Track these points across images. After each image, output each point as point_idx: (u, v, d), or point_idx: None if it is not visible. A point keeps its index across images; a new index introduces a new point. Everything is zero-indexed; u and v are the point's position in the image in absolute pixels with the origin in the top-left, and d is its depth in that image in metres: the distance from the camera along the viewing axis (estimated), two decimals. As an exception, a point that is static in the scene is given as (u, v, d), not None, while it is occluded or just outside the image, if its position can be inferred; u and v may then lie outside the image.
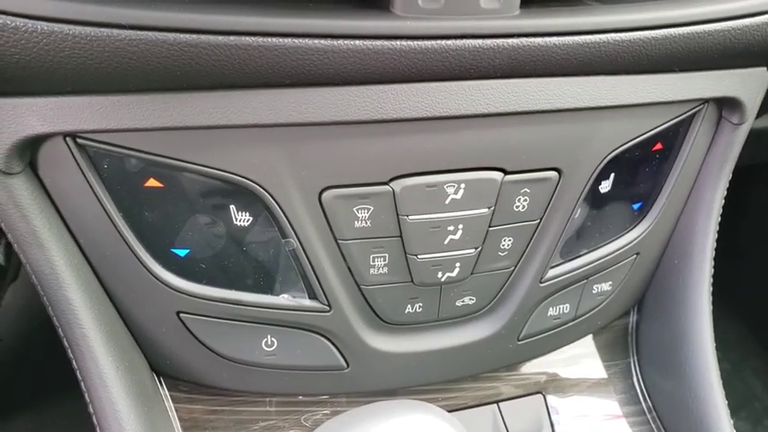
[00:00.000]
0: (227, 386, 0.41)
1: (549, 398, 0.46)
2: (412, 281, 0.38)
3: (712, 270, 0.45)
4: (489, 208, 0.36)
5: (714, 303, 0.45)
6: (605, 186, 0.40)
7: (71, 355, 0.35)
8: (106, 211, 0.34)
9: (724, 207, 0.44)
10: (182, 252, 0.36)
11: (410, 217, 0.35)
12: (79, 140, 0.32)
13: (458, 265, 0.38)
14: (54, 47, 0.27)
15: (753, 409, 0.96)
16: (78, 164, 0.32)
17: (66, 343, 0.35)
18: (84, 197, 0.33)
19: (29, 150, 0.32)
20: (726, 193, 0.44)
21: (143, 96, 0.30)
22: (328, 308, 0.38)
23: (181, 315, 0.37)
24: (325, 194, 0.34)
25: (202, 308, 0.37)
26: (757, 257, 1.11)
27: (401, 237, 0.36)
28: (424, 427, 0.26)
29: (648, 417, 0.45)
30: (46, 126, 0.30)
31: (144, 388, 0.37)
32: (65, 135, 0.31)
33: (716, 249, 0.45)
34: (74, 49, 0.27)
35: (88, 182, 0.33)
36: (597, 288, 0.44)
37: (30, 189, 0.32)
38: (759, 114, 0.42)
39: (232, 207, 0.34)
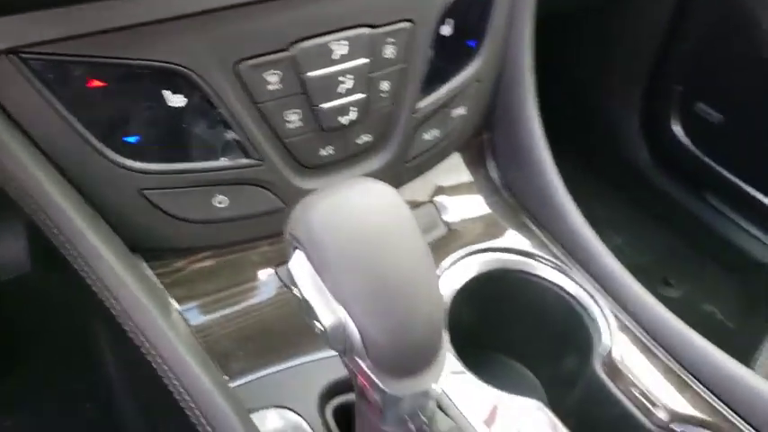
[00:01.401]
0: (193, 244, 0.50)
1: (437, 202, 0.60)
2: (321, 128, 0.49)
3: (536, 88, 0.60)
4: (367, 58, 0.47)
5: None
6: (447, 30, 0.52)
7: (66, 248, 0.42)
8: (61, 116, 0.41)
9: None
10: (133, 139, 0.44)
11: (309, 74, 0.46)
12: (22, 55, 0.38)
13: (353, 108, 0.49)
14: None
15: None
16: (25, 77, 0.39)
17: (60, 239, 0.41)
18: (38, 108, 0.40)
19: None
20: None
21: (72, 7, 0.37)
22: (261, 162, 0.48)
23: (144, 191, 0.45)
24: (239, 66, 0.43)
25: (160, 182, 0.46)
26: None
27: (306, 92, 0.46)
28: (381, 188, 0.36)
29: (504, 195, 0.62)
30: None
31: (131, 258, 0.46)
32: (6, 52, 0.37)
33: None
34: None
35: (38, 92, 0.39)
36: (455, 113, 0.57)
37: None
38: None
39: (167, 92, 0.43)
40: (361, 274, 0.32)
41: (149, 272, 0.49)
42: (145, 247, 0.49)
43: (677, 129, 1.34)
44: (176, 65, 0.42)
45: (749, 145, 1.24)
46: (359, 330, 0.33)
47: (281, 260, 0.53)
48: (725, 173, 1.29)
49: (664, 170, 1.38)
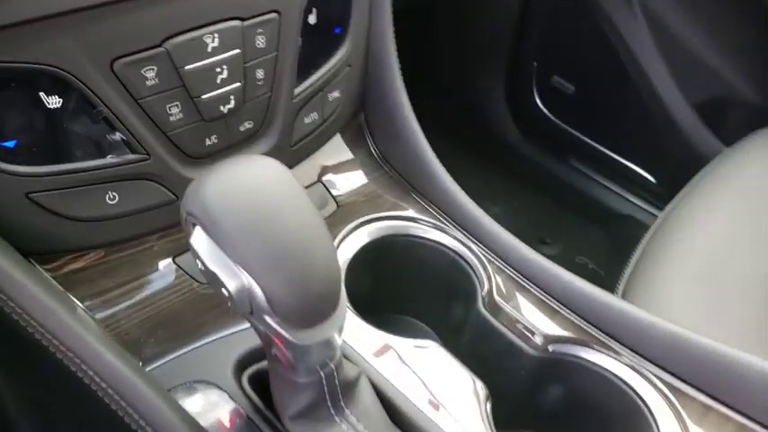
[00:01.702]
0: (89, 243, 0.51)
1: (325, 181, 0.64)
2: (203, 118, 0.51)
3: (400, 70, 0.66)
4: (240, 49, 0.50)
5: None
6: (313, 19, 0.56)
7: None
8: None
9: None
10: (11, 143, 0.44)
11: (186, 67, 0.48)
12: None
13: (231, 97, 0.52)
14: None
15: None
16: None
17: None
18: None
19: None
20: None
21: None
22: (148, 156, 0.50)
23: (31, 195, 0.46)
24: (115, 65, 0.45)
25: (47, 184, 0.46)
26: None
27: (184, 85, 0.49)
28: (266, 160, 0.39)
29: (385, 169, 0.67)
30: None
31: (24, 264, 0.46)
32: None
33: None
34: None
35: None
36: (331, 96, 0.62)
37: None
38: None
39: (42, 93, 0.43)
40: (257, 237, 0.35)
41: (46, 275, 0.49)
42: (39, 251, 0.49)
43: (538, 101, 1.47)
44: (50, 66, 0.42)
45: (600, 111, 1.39)
46: (262, 289, 0.36)
47: (178, 251, 0.55)
48: (583, 137, 1.44)
49: (530, 140, 1.51)
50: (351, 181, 0.66)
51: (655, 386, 0.53)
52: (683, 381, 0.53)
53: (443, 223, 0.64)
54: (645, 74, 1.25)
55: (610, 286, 0.86)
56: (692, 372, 0.53)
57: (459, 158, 1.46)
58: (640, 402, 0.52)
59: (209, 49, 0.49)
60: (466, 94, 1.53)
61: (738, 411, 0.51)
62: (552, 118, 1.45)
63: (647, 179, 1.36)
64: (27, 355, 0.50)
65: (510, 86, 1.46)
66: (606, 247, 1.45)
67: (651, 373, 0.53)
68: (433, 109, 1.58)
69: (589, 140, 1.41)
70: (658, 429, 0.51)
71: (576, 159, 1.46)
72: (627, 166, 1.38)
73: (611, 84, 1.33)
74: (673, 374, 0.53)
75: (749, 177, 0.92)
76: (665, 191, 1.19)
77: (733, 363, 0.52)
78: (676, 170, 0.98)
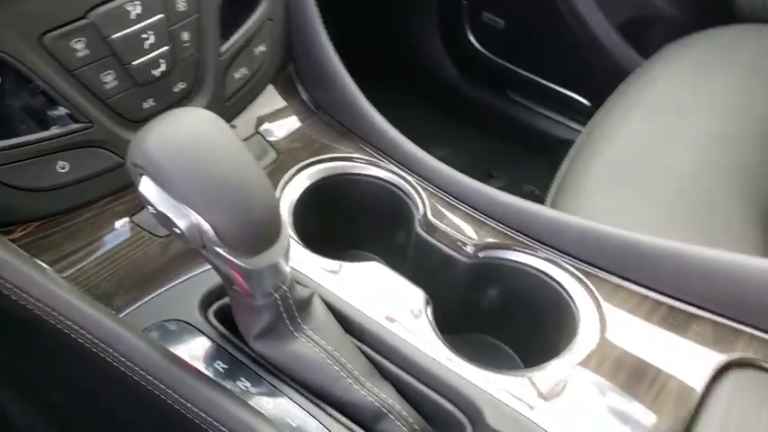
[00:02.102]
0: (48, 211, 0.55)
1: (262, 132, 0.69)
2: (137, 83, 0.55)
3: (321, 18, 0.70)
4: (163, 14, 0.54)
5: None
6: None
7: None
8: None
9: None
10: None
11: (112, 36, 0.52)
12: None
13: (161, 61, 0.56)
14: None
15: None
16: None
17: None
18: None
19: None
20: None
21: None
22: (91, 124, 0.54)
23: (-17, 171, 0.50)
24: (44, 39, 0.49)
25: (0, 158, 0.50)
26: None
27: (115, 53, 0.53)
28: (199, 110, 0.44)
29: (319, 114, 0.72)
30: None
31: None
32: None
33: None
34: None
35: None
36: (257, 50, 0.66)
37: None
38: None
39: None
40: (198, 178, 0.40)
41: (13, 245, 0.54)
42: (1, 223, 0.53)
43: (472, 38, 1.52)
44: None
45: (531, 41, 1.44)
46: (209, 224, 0.41)
47: (135, 210, 0.60)
48: (518, 69, 1.49)
49: (469, 78, 1.56)
50: (287, 129, 0.71)
51: (571, 273, 0.60)
52: (595, 266, 0.61)
53: (377, 159, 0.69)
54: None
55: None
56: (602, 257, 0.61)
57: (401, 103, 1.51)
58: (560, 289, 0.60)
59: (133, 17, 0.52)
60: (401, 38, 1.57)
61: (642, 285, 0.60)
62: (487, 54, 1.50)
63: (581, 102, 1.43)
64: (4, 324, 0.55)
65: (443, 27, 1.51)
66: (550, 173, 1.53)
67: (568, 263, 0.61)
68: (370, 55, 1.62)
69: (524, 72, 1.47)
70: (576, 309, 0.58)
71: (513, 92, 1.52)
72: (561, 93, 1.45)
73: (537, 14, 1.38)
74: (586, 262, 0.61)
75: (662, 87, 1.00)
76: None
77: (637, 245, 0.60)
78: (605, 89, 1.05)
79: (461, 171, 0.67)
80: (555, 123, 1.50)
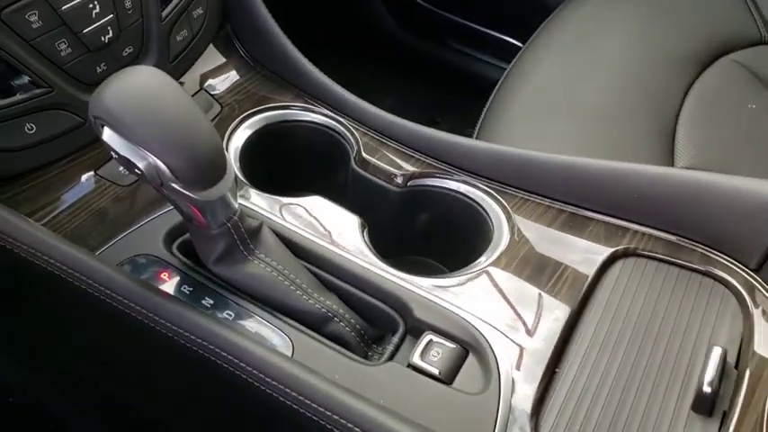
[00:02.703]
0: (20, 169, 0.63)
1: (207, 88, 0.76)
2: (89, 50, 0.62)
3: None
4: (105, -17, 0.61)
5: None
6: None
7: None
8: None
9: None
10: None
11: (62, 8, 0.58)
12: None
13: (109, 28, 0.63)
14: None
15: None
16: None
17: None
18: None
19: None
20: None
21: None
22: (51, 89, 0.61)
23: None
24: (2, 14, 0.55)
25: (-27, 124, 0.57)
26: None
27: (65, 23, 0.59)
28: (147, 67, 0.51)
29: (257, 69, 0.80)
30: None
31: None
32: None
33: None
34: None
35: None
36: (195, 13, 0.73)
37: None
38: None
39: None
40: (153, 123, 0.48)
41: (-6, 201, 0.61)
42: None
43: (408, -10, 1.57)
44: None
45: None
46: (164, 163, 0.49)
47: (99, 164, 0.67)
48: (454, 17, 1.57)
49: (408, 29, 1.63)
50: (229, 83, 0.78)
51: (485, 192, 0.70)
52: (506, 184, 0.71)
53: (313, 105, 0.78)
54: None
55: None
56: (511, 176, 0.71)
57: (344, 59, 1.58)
58: (477, 206, 0.70)
59: (80, -12, 0.59)
60: (340, -4, 1.62)
61: (546, 196, 0.70)
62: (423, 4, 1.57)
63: (515, 45, 1.51)
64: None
65: (379, -19, 1.56)
66: (489, 115, 1.62)
67: (482, 184, 0.71)
68: (309, 13, 1.68)
69: (461, 20, 1.55)
70: (491, 221, 0.69)
71: (452, 40, 1.60)
72: (496, 37, 1.53)
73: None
74: (498, 182, 0.71)
75: (577, 24, 1.09)
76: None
77: (540, 163, 0.69)
78: (534, 30, 1.12)
79: (407, 119, 0.75)
80: (492, 67, 1.58)
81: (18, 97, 0.59)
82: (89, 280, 0.55)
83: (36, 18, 0.57)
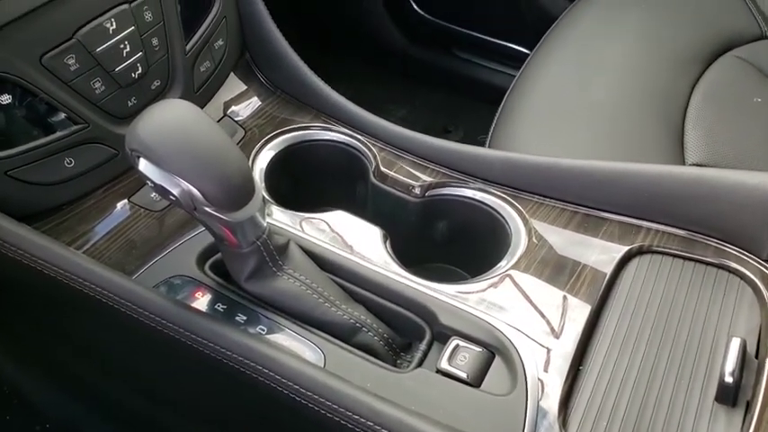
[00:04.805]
0: (61, 200, 0.67)
1: (230, 114, 0.80)
2: (121, 86, 0.66)
3: (267, 10, 0.81)
4: (134, 26, 0.65)
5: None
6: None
7: None
8: None
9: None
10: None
11: (96, 50, 0.62)
12: None
13: (138, 65, 0.66)
14: None
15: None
16: None
17: None
18: None
19: None
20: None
21: None
22: (87, 125, 0.65)
23: (9, 173, 0.61)
24: (43, 60, 0.59)
25: (19, 162, 0.61)
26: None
27: (99, 64, 0.63)
28: (178, 100, 0.54)
29: (277, 93, 0.84)
30: None
31: (20, 225, 0.61)
32: None
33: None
34: None
35: None
36: (216, 45, 0.77)
37: None
38: None
39: (5, 96, 0.58)
40: (186, 154, 0.51)
41: (38, 232, 0.65)
42: (25, 214, 0.64)
43: (414, 5, 1.62)
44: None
45: (465, 3, 1.55)
46: (197, 189, 0.53)
47: (131, 192, 0.71)
48: (460, 29, 1.60)
49: (416, 42, 1.66)
50: (251, 109, 0.82)
51: (501, 198, 0.73)
52: (520, 189, 0.73)
53: (331, 125, 0.81)
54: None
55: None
56: (525, 182, 0.73)
57: (356, 73, 1.62)
58: (493, 212, 0.73)
59: (111, 32, 0.63)
60: (347, 13, 1.66)
61: (560, 200, 0.72)
62: (429, 17, 1.60)
63: (520, 51, 1.54)
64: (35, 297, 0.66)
65: (386, -2, 1.60)
66: (501, 121, 1.65)
67: (497, 190, 0.73)
68: (319, 30, 1.72)
69: (466, 30, 1.58)
70: (508, 226, 0.71)
71: (459, 50, 1.63)
72: (502, 45, 1.56)
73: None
74: (512, 188, 0.73)
75: (583, 28, 1.12)
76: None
77: (552, 167, 0.72)
78: (539, 37, 1.15)
79: (420, 128, 0.78)
80: (499, 74, 1.61)
81: (58, 134, 0.63)
82: (128, 303, 0.58)
83: (74, 61, 0.61)
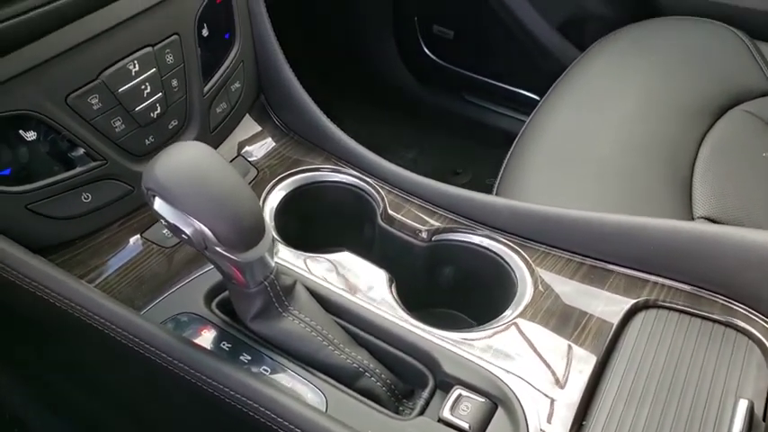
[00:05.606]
0: (76, 234, 0.68)
1: (244, 155, 0.82)
2: (140, 125, 0.68)
3: (282, 54, 0.83)
4: (155, 68, 0.67)
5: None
6: (205, 32, 0.73)
7: None
8: None
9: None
10: (6, 172, 0.60)
11: (119, 90, 0.64)
12: None
13: (157, 105, 0.68)
14: None
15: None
16: None
17: None
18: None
19: None
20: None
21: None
22: (105, 161, 0.66)
23: (29, 207, 0.62)
24: (68, 99, 0.61)
25: (39, 196, 0.62)
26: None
27: (121, 103, 0.65)
28: (193, 142, 0.56)
29: (290, 135, 0.85)
30: None
31: (36, 257, 0.62)
32: None
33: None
34: None
35: None
36: (233, 87, 0.79)
37: None
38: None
39: (21, 131, 0.59)
40: (200, 195, 0.52)
41: (52, 264, 0.66)
42: (41, 247, 0.65)
43: (426, 50, 1.66)
44: (24, 110, 0.59)
45: (478, 47, 1.58)
46: (209, 228, 0.54)
47: (144, 228, 0.72)
48: (470, 73, 1.63)
49: (426, 85, 1.70)
50: (264, 149, 0.84)
51: (508, 246, 0.73)
52: (527, 238, 0.74)
53: (341, 167, 0.82)
54: (507, 7, 1.44)
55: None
56: (532, 231, 0.74)
57: (368, 116, 1.65)
58: (500, 259, 0.73)
59: (133, 73, 0.65)
60: (361, 56, 1.70)
61: (566, 250, 0.73)
62: (441, 62, 1.64)
63: (530, 97, 1.56)
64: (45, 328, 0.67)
65: (399, 42, 1.64)
66: (508, 165, 1.66)
67: (504, 238, 0.74)
68: (334, 73, 1.76)
69: (476, 75, 1.61)
70: (514, 274, 0.72)
71: (469, 94, 1.66)
72: (512, 90, 1.59)
73: (482, 23, 1.52)
74: (519, 236, 0.74)
75: (591, 78, 1.14)
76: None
77: (559, 217, 0.72)
78: (549, 84, 1.17)
79: (429, 171, 0.79)
80: (509, 119, 1.63)
81: (78, 170, 0.65)
82: (135, 338, 0.59)
83: (97, 101, 0.63)
